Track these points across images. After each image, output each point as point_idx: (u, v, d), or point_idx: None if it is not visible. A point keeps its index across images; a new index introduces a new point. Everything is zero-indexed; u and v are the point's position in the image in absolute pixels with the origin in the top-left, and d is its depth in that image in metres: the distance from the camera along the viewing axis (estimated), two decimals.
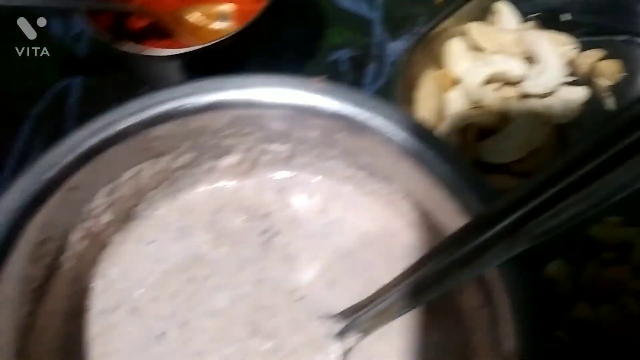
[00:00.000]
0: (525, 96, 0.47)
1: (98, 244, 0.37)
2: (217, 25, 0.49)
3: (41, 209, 0.31)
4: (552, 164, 0.21)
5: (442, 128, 0.45)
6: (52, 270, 0.34)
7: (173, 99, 0.34)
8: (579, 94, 0.47)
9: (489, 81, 0.46)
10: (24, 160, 0.49)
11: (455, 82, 0.47)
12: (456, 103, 0.46)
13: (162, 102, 0.33)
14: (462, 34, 0.49)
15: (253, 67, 0.39)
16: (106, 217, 0.36)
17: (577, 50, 0.50)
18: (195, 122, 0.35)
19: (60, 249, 0.34)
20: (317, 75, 0.45)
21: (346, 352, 0.33)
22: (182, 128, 0.35)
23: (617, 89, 0.49)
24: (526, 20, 0.51)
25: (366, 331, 0.33)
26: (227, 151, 0.38)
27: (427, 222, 0.35)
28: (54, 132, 0.50)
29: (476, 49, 0.48)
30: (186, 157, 0.37)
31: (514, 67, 0.46)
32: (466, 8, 0.49)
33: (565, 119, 0.46)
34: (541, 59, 0.47)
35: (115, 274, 0.37)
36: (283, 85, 0.34)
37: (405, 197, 0.36)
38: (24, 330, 0.32)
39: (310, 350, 0.34)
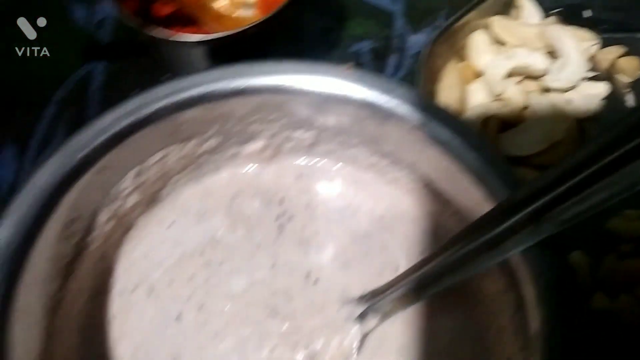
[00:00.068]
0: (547, 90, 0.47)
1: (123, 226, 0.37)
2: (241, 13, 0.49)
3: (72, 188, 0.32)
4: (577, 153, 0.21)
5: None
6: (80, 249, 0.34)
7: (202, 83, 0.34)
8: (600, 89, 0.47)
9: (511, 74, 0.47)
10: (47, 144, 0.49)
11: (477, 75, 0.48)
12: (478, 95, 0.46)
13: (192, 86, 0.34)
14: (485, 27, 0.49)
15: (275, 56, 0.39)
16: (132, 200, 0.37)
17: (598, 46, 0.50)
18: (223, 107, 0.35)
19: (88, 229, 0.35)
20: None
21: (365, 335, 0.34)
22: (210, 113, 0.35)
23: (637, 85, 0.49)
24: (548, 15, 0.51)
25: (386, 315, 0.34)
26: (251, 137, 0.38)
27: (450, 209, 0.36)
28: (77, 118, 0.51)
29: (498, 42, 0.49)
30: (211, 142, 0.38)
31: (536, 61, 0.46)
32: (488, 2, 0.49)
33: (585, 113, 0.46)
34: (563, 54, 0.47)
35: (136, 255, 0.38)
36: (312, 71, 0.34)
37: (427, 185, 0.37)
38: (53, 306, 0.32)
39: (329, 332, 0.34)
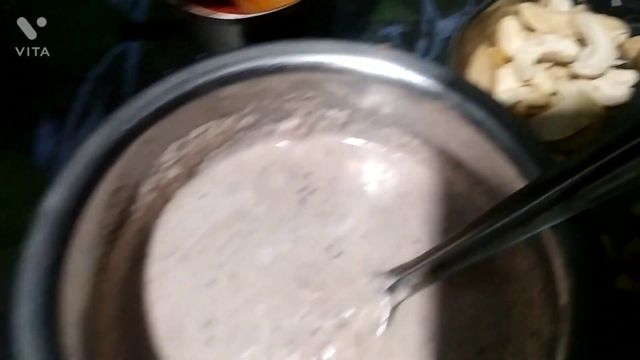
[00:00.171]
0: (575, 77, 0.47)
1: (164, 197, 0.39)
2: None
3: (118, 159, 0.33)
4: (606, 135, 0.22)
5: None
6: (123, 218, 0.36)
7: (244, 60, 0.35)
8: (627, 77, 0.48)
9: (540, 60, 0.47)
10: (84, 119, 0.51)
11: (507, 60, 0.48)
12: (507, 80, 0.47)
13: (234, 63, 0.35)
14: (515, 13, 0.50)
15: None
16: (173, 172, 0.38)
17: (626, 35, 0.50)
18: (263, 83, 0.36)
19: (131, 199, 0.36)
20: None
21: (394, 307, 0.35)
22: (249, 89, 0.36)
23: None
24: (577, 3, 0.52)
25: (415, 288, 0.35)
26: (287, 115, 0.39)
27: (479, 189, 0.36)
28: (113, 94, 0.52)
29: (528, 28, 0.49)
30: (249, 119, 0.39)
31: (566, 47, 0.47)
32: None
33: (612, 100, 0.47)
34: (592, 42, 0.48)
35: (172, 224, 0.39)
36: (350, 51, 0.35)
37: (457, 165, 0.37)
38: (99, 270, 0.34)
39: (359, 302, 0.35)
